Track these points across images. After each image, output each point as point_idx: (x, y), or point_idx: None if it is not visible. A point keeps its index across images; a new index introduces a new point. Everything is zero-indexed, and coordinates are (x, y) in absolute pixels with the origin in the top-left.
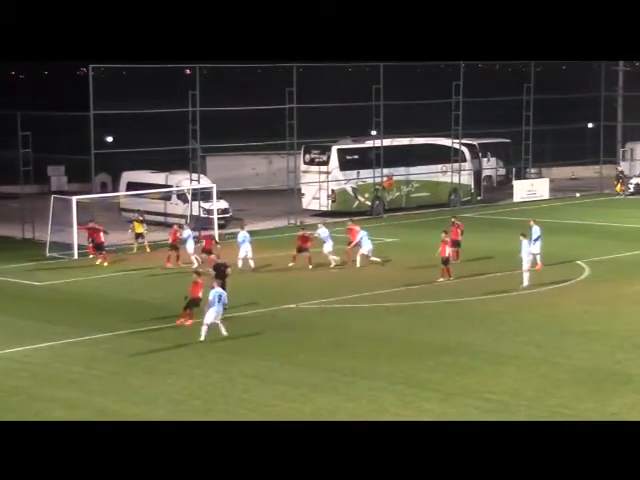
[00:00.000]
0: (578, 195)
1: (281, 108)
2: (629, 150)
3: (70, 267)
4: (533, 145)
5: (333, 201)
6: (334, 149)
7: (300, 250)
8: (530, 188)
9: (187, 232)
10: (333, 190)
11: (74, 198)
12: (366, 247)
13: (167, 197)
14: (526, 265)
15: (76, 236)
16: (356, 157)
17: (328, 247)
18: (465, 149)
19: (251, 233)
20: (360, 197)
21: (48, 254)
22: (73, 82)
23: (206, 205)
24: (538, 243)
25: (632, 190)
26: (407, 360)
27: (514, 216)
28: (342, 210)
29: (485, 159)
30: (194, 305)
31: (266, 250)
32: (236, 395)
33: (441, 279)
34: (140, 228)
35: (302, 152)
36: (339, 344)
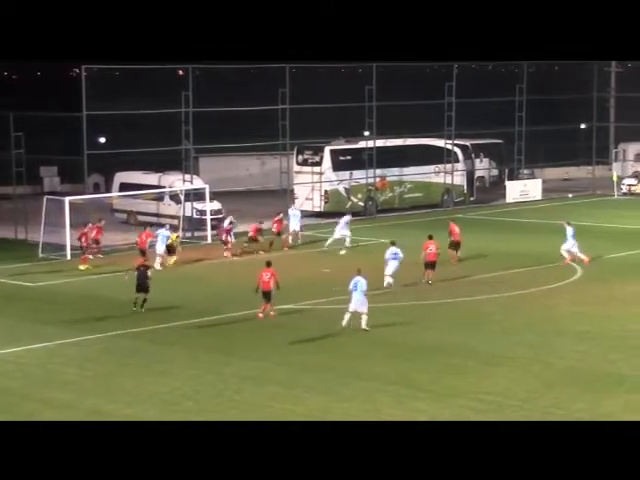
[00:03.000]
0: (570, 196)
1: (274, 109)
2: (621, 151)
3: (63, 268)
4: (526, 146)
5: (326, 202)
6: (327, 150)
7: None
8: (523, 189)
9: (162, 232)
10: (326, 191)
11: (67, 199)
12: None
13: (160, 198)
14: (389, 270)
15: (69, 237)
16: (349, 158)
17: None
18: (458, 150)
19: (245, 234)
20: (353, 198)
21: (41, 255)
22: (66, 83)
23: (199, 206)
24: (570, 241)
25: (624, 191)
26: (401, 361)
27: (507, 217)
28: (335, 211)
29: (478, 160)
30: (265, 297)
31: (260, 251)
32: (228, 396)
33: (429, 281)
34: (174, 240)
35: (295, 153)
36: (333, 345)
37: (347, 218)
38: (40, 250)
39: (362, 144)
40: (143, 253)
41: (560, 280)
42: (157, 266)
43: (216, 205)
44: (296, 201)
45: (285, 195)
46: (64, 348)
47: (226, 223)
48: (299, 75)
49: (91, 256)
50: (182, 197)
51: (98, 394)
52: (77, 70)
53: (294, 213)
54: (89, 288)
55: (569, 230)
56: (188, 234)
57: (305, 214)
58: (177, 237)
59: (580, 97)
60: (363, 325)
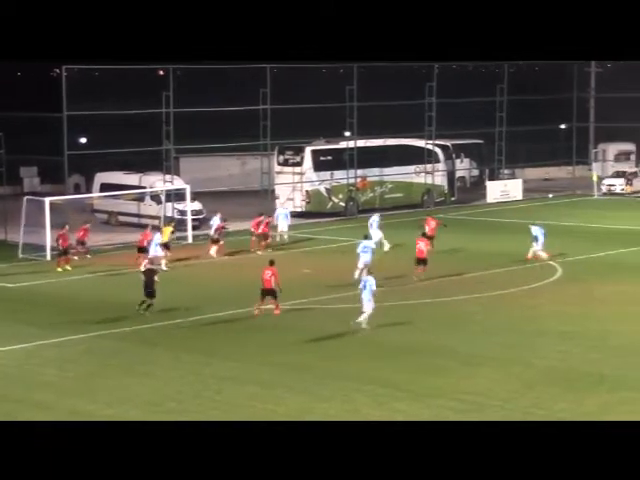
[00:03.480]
0: (551, 196)
1: (255, 109)
2: (601, 151)
3: (43, 268)
4: (506, 146)
5: (307, 202)
6: (308, 150)
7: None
8: (503, 189)
9: (157, 236)
10: (307, 191)
11: (47, 199)
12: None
13: (141, 198)
14: (361, 264)
15: (49, 238)
16: (330, 158)
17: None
18: (438, 150)
19: (227, 234)
20: (334, 198)
21: (21, 256)
22: (46, 83)
23: (180, 206)
24: (538, 242)
25: (604, 191)
26: (382, 361)
27: (488, 217)
28: (316, 211)
29: (458, 160)
30: (265, 294)
31: (240, 251)
32: (210, 396)
33: (415, 277)
34: (167, 235)
35: (276, 153)
36: (314, 345)
37: (377, 219)
38: (20, 251)
39: (343, 144)
40: (143, 251)
41: (540, 280)
42: (163, 267)
43: (197, 205)
44: (277, 201)
45: (266, 195)
46: (44, 349)
47: (217, 221)
48: (280, 75)
49: (76, 257)
50: (163, 197)
51: (78, 395)
52: (57, 70)
53: (285, 213)
54: (70, 289)
55: (536, 230)
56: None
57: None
58: (172, 232)
59: (560, 97)
60: (360, 319)
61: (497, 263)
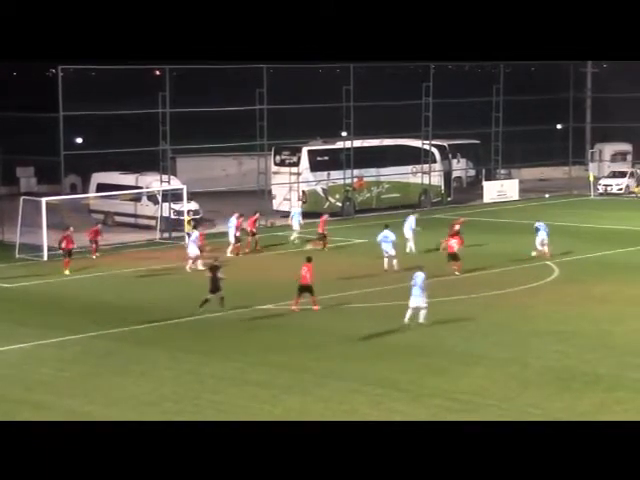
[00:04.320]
0: (547, 196)
1: (251, 109)
2: (597, 151)
3: (40, 268)
4: (503, 146)
5: (304, 202)
6: (304, 150)
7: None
8: (500, 189)
9: (194, 235)
10: (304, 191)
11: (44, 199)
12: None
13: (137, 198)
14: (393, 252)
15: (46, 238)
16: (326, 158)
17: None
18: (435, 150)
19: (222, 234)
20: (331, 198)
21: (18, 256)
22: (42, 83)
23: (176, 206)
24: (538, 237)
25: (600, 191)
26: (378, 361)
27: (484, 217)
28: (313, 211)
29: (455, 160)
30: (303, 290)
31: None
32: (207, 397)
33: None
34: (189, 227)
35: (272, 153)
36: (311, 345)
37: (412, 220)
38: (17, 251)
39: (339, 144)
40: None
41: (537, 280)
42: (188, 269)
43: (194, 206)
44: (274, 201)
45: (263, 196)
46: (42, 349)
47: (234, 221)
48: (276, 75)
49: (94, 256)
50: (159, 198)
51: (75, 395)
52: (54, 70)
53: (298, 212)
54: (67, 289)
55: (538, 225)
56: (165, 235)
57: (283, 214)
58: (189, 222)
59: (556, 98)
60: (421, 319)
61: (494, 263)
